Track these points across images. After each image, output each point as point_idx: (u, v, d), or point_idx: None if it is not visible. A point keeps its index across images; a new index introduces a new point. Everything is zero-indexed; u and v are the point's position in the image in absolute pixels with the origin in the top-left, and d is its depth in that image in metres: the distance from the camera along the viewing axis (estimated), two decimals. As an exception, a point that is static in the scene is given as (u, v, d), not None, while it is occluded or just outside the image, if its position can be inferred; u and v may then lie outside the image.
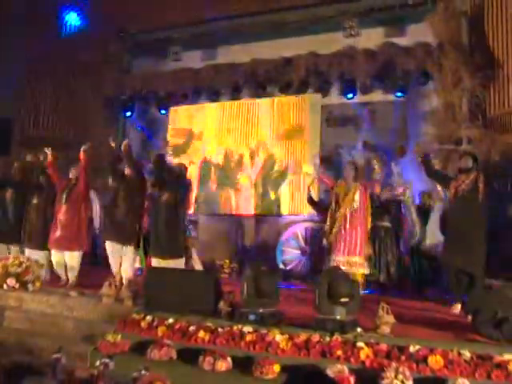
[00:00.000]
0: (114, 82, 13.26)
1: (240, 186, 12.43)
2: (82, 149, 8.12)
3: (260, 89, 12.12)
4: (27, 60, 12.31)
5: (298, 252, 10.75)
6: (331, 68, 11.39)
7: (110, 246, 7.80)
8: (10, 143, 12.78)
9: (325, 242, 7.62)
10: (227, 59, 12.40)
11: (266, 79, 11.93)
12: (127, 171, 7.83)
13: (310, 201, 9.13)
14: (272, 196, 12.08)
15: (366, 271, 7.78)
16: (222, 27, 12.27)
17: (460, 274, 6.79)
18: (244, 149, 12.58)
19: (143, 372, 4.59)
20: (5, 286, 7.73)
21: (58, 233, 8.19)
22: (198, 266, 8.84)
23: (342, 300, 5.37)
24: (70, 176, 8.34)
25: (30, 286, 7.72)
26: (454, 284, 6.88)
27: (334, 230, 7.41)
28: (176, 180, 8.06)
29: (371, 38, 11.32)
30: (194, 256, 8.84)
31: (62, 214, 8.18)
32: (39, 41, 12.01)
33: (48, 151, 8.45)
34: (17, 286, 7.71)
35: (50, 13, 12.57)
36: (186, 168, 9.16)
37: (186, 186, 8.63)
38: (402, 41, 11.09)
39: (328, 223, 7.64)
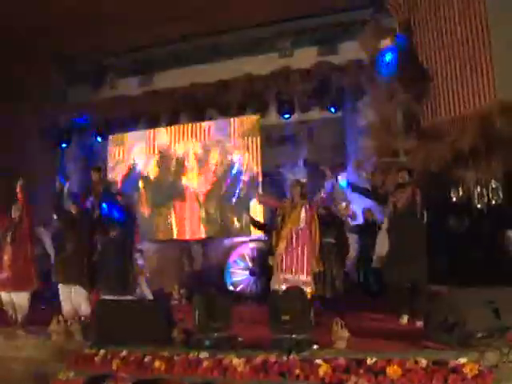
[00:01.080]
0: (50, 111, 12.96)
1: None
2: (18, 185, 7.93)
3: (199, 112, 12.14)
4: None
5: (247, 273, 10.73)
6: (268, 89, 11.54)
7: (60, 286, 7.68)
8: None
9: (270, 261, 7.62)
10: (165, 84, 12.37)
11: (205, 103, 11.96)
12: (72, 208, 7.75)
13: (255, 223, 9.19)
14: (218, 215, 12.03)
15: (313, 289, 7.79)
16: (158, 53, 12.28)
17: (402, 287, 6.93)
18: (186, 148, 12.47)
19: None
20: None
21: (4, 274, 7.93)
22: (148, 295, 8.71)
23: (283, 318, 5.39)
24: (13, 216, 8.10)
25: (-29, 327, 7.44)
26: (397, 299, 7.03)
27: (279, 250, 7.41)
28: (124, 213, 7.99)
29: (305, 57, 11.55)
30: (143, 285, 8.70)
31: (7, 255, 7.93)
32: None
33: None
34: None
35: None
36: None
37: (132, 217, 8.54)
38: (335, 59, 11.35)
39: (274, 242, 7.64)
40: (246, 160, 11.80)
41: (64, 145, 13.30)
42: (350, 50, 11.02)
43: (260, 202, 9.13)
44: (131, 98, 12.60)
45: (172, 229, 12.28)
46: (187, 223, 12.17)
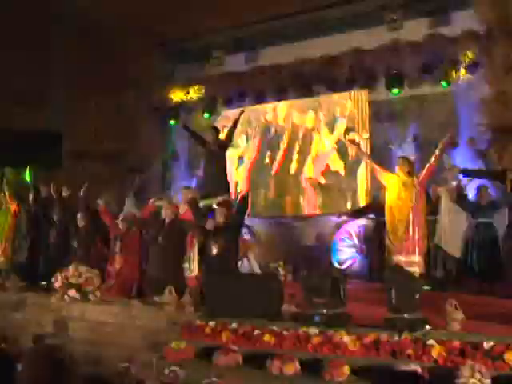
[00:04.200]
0: (158, 92, 13.36)
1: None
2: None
3: (305, 88, 12.03)
4: (76, 73, 12.51)
5: (353, 251, 10.62)
6: (376, 63, 11.23)
7: None
8: (61, 157, 12.99)
9: (388, 241, 7.45)
10: (271, 60, 12.36)
11: (312, 78, 11.83)
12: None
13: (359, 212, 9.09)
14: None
15: (423, 270, 7.59)
16: (263, 29, 12.23)
17: None
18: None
19: (214, 379, 4.56)
20: (66, 298, 7.85)
21: (111, 281, 8.40)
22: (256, 269, 8.81)
23: (411, 301, 5.26)
24: (121, 227, 8.53)
25: (91, 296, 7.83)
26: None
27: (400, 232, 7.24)
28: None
29: (415, 29, 11.12)
30: (252, 259, 8.81)
31: (116, 264, 8.40)
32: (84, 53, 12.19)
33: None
34: (78, 296, 7.83)
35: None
36: None
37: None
38: (447, 30, 10.84)
39: (389, 222, 7.45)
40: (354, 136, 11.62)
41: (172, 121, 13.61)
42: (464, 19, 10.48)
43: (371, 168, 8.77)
44: (238, 74, 12.70)
45: (285, 205, 12.31)
46: (304, 200, 12.14)
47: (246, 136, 12.91)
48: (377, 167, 7.94)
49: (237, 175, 12.72)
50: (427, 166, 7.39)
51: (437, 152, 7.41)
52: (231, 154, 11.78)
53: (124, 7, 10.99)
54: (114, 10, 11.13)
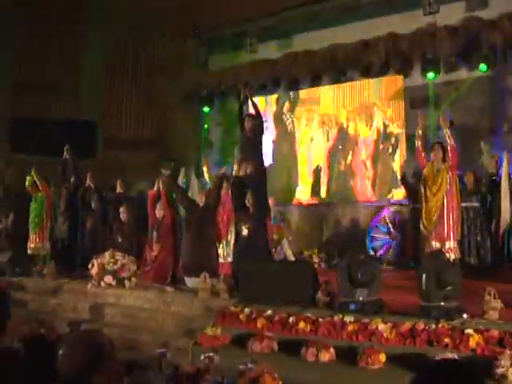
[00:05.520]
0: (192, 78, 13.39)
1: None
2: (159, 180, 8.43)
3: (340, 74, 11.92)
4: (106, 60, 12.61)
5: (387, 238, 10.53)
6: (412, 48, 11.02)
7: None
8: (96, 145, 13.15)
9: (422, 228, 7.35)
10: (304, 47, 12.25)
11: (346, 64, 11.69)
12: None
13: (404, 181, 8.98)
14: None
15: (458, 255, 7.48)
16: (296, 15, 12.13)
17: None
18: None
19: (250, 365, 4.57)
20: (102, 284, 7.96)
21: (148, 267, 8.49)
22: (290, 257, 8.80)
23: (448, 288, 5.19)
24: (157, 215, 8.52)
25: (126, 282, 7.93)
26: None
27: (434, 217, 7.14)
28: None
29: (452, 13, 10.87)
30: (286, 246, 8.80)
31: (153, 251, 8.45)
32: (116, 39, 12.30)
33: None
34: (114, 283, 7.93)
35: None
36: None
37: None
38: (485, 14, 10.59)
39: (424, 208, 7.36)
40: (389, 122, 11.50)
41: (206, 109, 13.64)
42: (502, 2, 10.22)
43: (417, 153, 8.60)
44: (271, 61, 12.63)
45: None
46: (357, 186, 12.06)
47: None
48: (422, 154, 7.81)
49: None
50: (448, 148, 7.27)
51: (447, 132, 7.36)
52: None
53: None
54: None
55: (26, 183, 9.68)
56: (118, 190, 9.34)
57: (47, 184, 9.82)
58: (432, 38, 10.73)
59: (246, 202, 7.60)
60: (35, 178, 9.62)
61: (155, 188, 8.60)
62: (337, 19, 11.87)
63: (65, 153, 9.78)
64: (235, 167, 8.38)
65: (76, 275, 8.83)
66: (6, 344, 3.33)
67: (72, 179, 9.88)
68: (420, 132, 7.67)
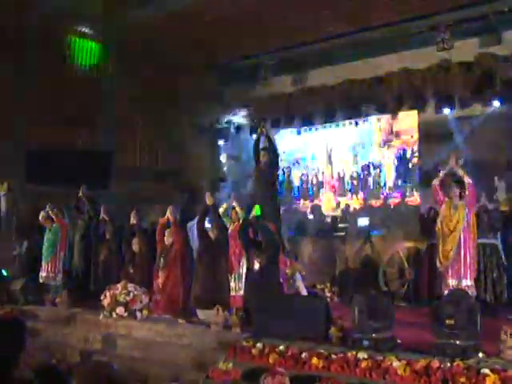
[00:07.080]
0: (206, 111, 13.52)
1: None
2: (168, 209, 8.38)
3: (355, 110, 11.98)
4: (125, 95, 12.77)
5: (401, 274, 10.41)
6: (426, 84, 11.09)
7: None
8: (111, 176, 13.19)
9: (439, 264, 7.31)
10: (319, 81, 12.35)
11: (361, 99, 11.77)
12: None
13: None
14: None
15: (474, 293, 7.41)
16: (312, 50, 12.26)
17: None
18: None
19: (261, 401, 4.51)
20: (114, 315, 7.95)
21: (158, 296, 8.35)
22: (303, 291, 8.72)
23: (448, 322, 5.13)
24: (166, 242, 8.46)
25: (138, 314, 7.91)
26: None
27: (451, 253, 7.10)
28: None
29: (465, 49, 10.96)
30: (299, 281, 8.72)
31: (160, 279, 8.34)
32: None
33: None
34: (125, 314, 7.91)
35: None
36: None
37: None
38: (498, 49, 10.66)
39: (440, 244, 7.33)
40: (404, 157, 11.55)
41: (221, 141, 13.76)
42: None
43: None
44: (285, 95, 12.73)
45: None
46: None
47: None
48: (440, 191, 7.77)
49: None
50: (467, 187, 7.26)
51: (461, 172, 7.36)
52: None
53: (176, 27, 11.16)
54: (167, 30, 11.31)
55: (40, 217, 9.75)
56: (132, 221, 9.36)
57: (62, 216, 9.90)
58: (445, 73, 10.80)
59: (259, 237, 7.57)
60: (50, 214, 9.71)
61: (166, 216, 8.58)
62: (351, 55, 12.00)
63: (80, 192, 9.90)
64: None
65: (89, 305, 8.82)
66: (18, 374, 3.34)
67: (87, 211, 9.94)
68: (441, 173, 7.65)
